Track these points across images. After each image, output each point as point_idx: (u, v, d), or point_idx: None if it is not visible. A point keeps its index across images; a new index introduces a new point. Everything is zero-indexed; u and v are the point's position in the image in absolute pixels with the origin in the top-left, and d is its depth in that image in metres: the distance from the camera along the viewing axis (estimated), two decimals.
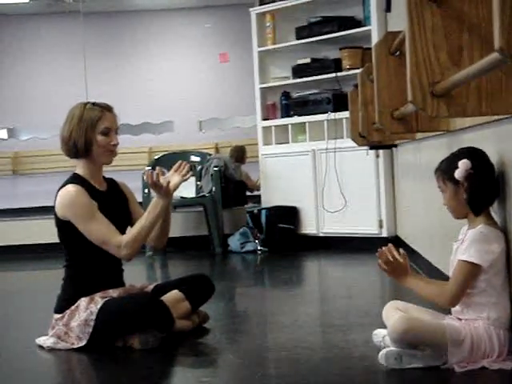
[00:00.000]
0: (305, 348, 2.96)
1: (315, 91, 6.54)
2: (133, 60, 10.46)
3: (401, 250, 2.66)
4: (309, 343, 3.05)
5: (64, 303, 3.17)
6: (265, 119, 6.87)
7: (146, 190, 6.82)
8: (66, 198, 3.12)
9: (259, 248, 6.52)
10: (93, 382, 2.90)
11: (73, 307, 3.13)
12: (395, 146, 5.27)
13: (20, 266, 6.77)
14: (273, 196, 6.75)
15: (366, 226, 6.11)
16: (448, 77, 2.01)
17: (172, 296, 3.27)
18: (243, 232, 6.66)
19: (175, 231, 7.09)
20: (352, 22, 6.33)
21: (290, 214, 6.54)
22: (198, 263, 6.30)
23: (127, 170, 9.47)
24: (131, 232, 3.13)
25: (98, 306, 3.07)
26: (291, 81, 6.69)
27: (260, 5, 6.80)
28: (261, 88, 6.86)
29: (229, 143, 9.49)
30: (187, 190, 6.94)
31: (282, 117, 6.78)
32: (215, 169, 6.98)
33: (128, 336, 3.08)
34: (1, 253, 7.23)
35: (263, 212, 6.60)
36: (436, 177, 2.62)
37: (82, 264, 3.21)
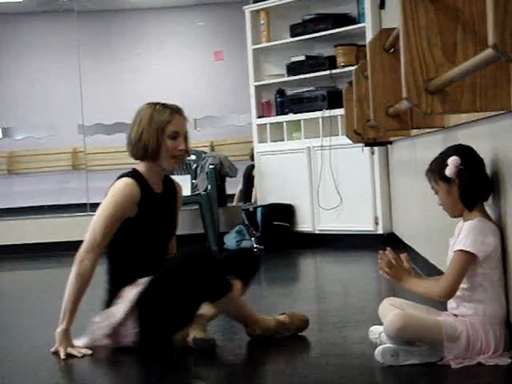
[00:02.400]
0: (301, 345, 2.96)
1: (310, 88, 6.54)
2: (127, 58, 10.45)
3: (404, 254, 2.64)
4: (305, 340, 3.05)
5: (111, 294, 3.04)
6: (260, 117, 6.87)
7: None
8: (116, 187, 3.04)
9: (255, 246, 6.51)
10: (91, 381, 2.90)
11: (116, 299, 3.00)
12: (390, 142, 5.27)
13: (15, 266, 6.76)
14: (268, 194, 6.75)
15: (361, 223, 6.12)
16: (442, 73, 2.02)
17: None
18: (239, 230, 6.66)
19: None
20: (346, 19, 6.33)
21: (286, 212, 6.54)
22: None
23: (122, 169, 9.49)
24: (74, 272, 2.95)
25: (145, 282, 2.94)
26: (286, 78, 6.69)
27: (254, 2, 6.80)
28: (255, 86, 6.85)
29: (224, 141, 9.49)
30: (183, 188, 6.92)
31: (277, 114, 6.78)
32: (211, 167, 6.98)
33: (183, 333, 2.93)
34: None
35: (259, 210, 6.60)
36: (428, 178, 2.62)
37: (124, 257, 3.08)
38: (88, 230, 3.03)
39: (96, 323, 3.01)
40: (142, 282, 2.98)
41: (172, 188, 3.27)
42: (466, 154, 2.51)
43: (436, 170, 2.56)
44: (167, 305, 2.94)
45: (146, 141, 3.05)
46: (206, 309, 3.00)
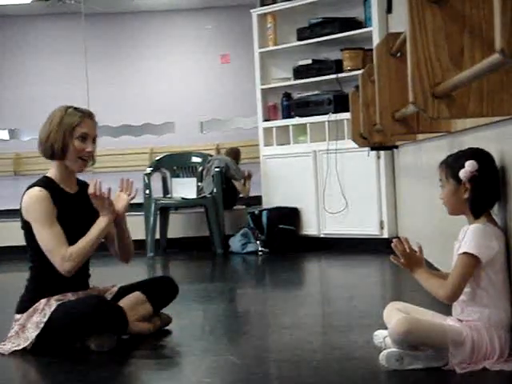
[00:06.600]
0: (305, 349, 2.96)
1: (316, 92, 6.54)
2: (134, 61, 10.46)
3: (417, 243, 2.65)
4: (309, 344, 3.05)
5: (25, 304, 3.15)
6: (266, 120, 6.87)
7: (148, 192, 6.82)
8: (30, 200, 3.14)
9: (260, 249, 6.51)
10: None
11: (30, 309, 3.11)
12: (396, 147, 5.27)
13: (21, 267, 6.75)
14: (274, 197, 6.75)
15: (367, 227, 6.11)
16: (449, 78, 2.02)
17: (133, 297, 3.28)
18: (244, 233, 6.66)
19: (176, 232, 7.11)
20: (353, 23, 6.33)
21: (291, 215, 6.54)
22: (198, 264, 6.30)
23: (128, 171, 9.50)
24: (76, 246, 3.10)
25: (52, 309, 3.06)
26: (292, 82, 6.69)
27: (261, 6, 6.81)
28: (262, 89, 6.86)
29: (230, 144, 9.49)
30: (188, 191, 6.94)
31: (283, 118, 6.78)
32: (216, 170, 6.98)
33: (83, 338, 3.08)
34: (1, 253, 7.22)
35: (264, 213, 6.60)
36: (440, 169, 2.59)
37: (45, 266, 3.14)
38: (44, 247, 3.13)
39: (11, 340, 3.11)
40: (51, 304, 3.08)
41: (85, 189, 3.27)
42: (485, 160, 2.49)
43: (451, 166, 2.53)
44: (69, 333, 3.08)
45: (52, 141, 3.14)
46: None
